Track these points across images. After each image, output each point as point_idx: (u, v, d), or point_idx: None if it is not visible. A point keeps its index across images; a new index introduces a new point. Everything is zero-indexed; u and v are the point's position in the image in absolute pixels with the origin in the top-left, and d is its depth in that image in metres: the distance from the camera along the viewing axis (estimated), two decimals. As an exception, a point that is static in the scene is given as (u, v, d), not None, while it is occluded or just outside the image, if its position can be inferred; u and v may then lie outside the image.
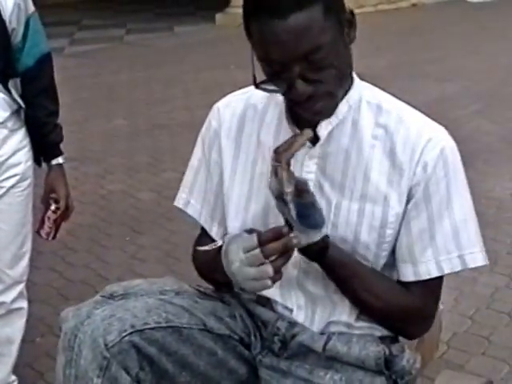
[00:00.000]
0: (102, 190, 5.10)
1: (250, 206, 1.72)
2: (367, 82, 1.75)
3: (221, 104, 1.79)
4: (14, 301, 2.71)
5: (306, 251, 1.58)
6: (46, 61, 2.55)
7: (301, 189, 1.49)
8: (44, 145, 2.61)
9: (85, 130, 6.18)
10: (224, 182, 1.75)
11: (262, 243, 1.49)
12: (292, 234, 1.50)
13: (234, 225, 1.73)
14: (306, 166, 1.64)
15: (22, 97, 2.52)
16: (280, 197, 1.48)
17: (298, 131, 1.59)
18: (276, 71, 1.51)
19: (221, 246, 1.60)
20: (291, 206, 1.48)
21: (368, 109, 1.62)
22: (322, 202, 1.60)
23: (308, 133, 1.53)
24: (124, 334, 1.56)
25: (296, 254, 1.59)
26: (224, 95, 1.90)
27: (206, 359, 1.70)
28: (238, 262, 1.51)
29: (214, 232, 1.81)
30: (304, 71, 1.48)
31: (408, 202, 1.61)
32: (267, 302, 1.77)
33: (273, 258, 1.51)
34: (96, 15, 12.48)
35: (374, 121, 1.63)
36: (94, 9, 13.08)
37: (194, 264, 1.87)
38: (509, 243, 4.30)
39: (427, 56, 9.08)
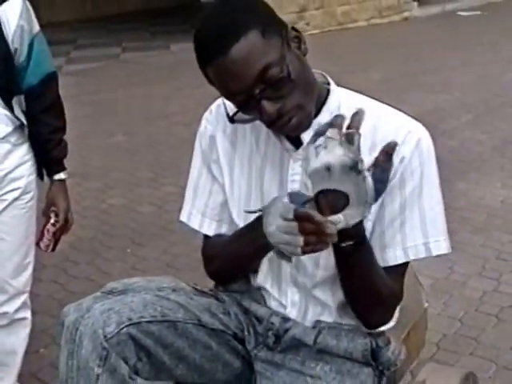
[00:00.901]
0: (103, 204, 5.21)
1: (250, 202, 1.83)
2: (358, 92, 1.86)
3: (213, 105, 1.90)
4: (17, 311, 2.78)
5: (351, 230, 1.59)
6: (50, 80, 2.63)
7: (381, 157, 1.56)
8: (47, 160, 2.69)
9: (86, 146, 6.27)
10: (224, 180, 1.86)
11: (297, 218, 1.53)
12: (336, 216, 1.52)
13: (239, 223, 1.84)
14: (291, 169, 1.76)
15: (26, 113, 2.60)
16: (354, 166, 1.49)
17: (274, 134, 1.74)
18: (242, 101, 1.61)
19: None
20: (367, 174, 1.51)
21: (348, 113, 1.70)
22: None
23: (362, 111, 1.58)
24: (122, 326, 1.66)
25: None
26: None
27: (201, 352, 1.81)
28: (275, 226, 1.55)
29: (225, 230, 1.90)
30: (265, 92, 1.57)
31: (386, 192, 1.69)
32: (261, 299, 1.88)
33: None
34: (91, 34, 12.58)
35: None
36: (89, 28, 13.19)
37: (209, 267, 1.93)
38: (498, 249, 4.43)
39: (419, 68, 9.22)
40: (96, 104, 7.92)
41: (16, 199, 2.63)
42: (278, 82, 1.58)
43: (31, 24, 2.56)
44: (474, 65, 9.83)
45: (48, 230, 2.74)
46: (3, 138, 2.54)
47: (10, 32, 2.48)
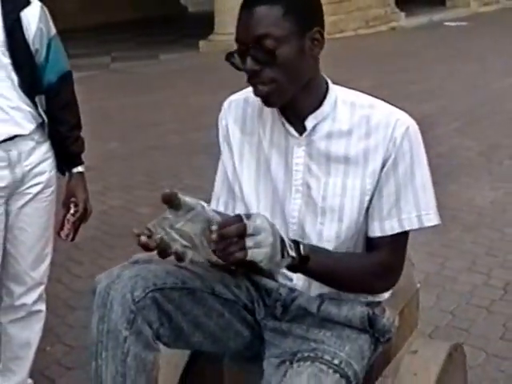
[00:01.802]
0: (103, 206, 5.38)
1: (259, 185, 2.05)
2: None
3: (226, 102, 2.15)
4: (34, 303, 2.96)
5: (289, 267, 1.87)
6: (66, 78, 2.85)
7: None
8: (66, 155, 2.89)
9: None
10: (235, 168, 2.09)
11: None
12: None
13: (250, 206, 2.06)
14: (295, 153, 1.99)
15: (45, 112, 2.80)
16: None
17: (284, 121, 1.99)
18: (240, 50, 1.89)
19: None
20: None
21: (343, 106, 1.98)
22: (312, 181, 1.96)
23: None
24: (147, 291, 1.86)
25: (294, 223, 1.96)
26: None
27: (215, 320, 2.01)
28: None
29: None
30: (255, 52, 1.85)
31: (381, 172, 1.95)
32: (270, 274, 2.09)
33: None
34: (80, 44, 12.76)
35: (349, 115, 1.98)
36: (78, 38, 13.38)
37: None
38: (487, 245, 4.68)
39: (407, 77, 9.49)
40: (89, 112, 8.01)
41: (38, 193, 2.82)
42: (267, 51, 1.85)
43: (48, 27, 2.79)
44: (461, 74, 10.15)
45: (68, 220, 2.92)
46: (28, 135, 2.73)
47: (31, 34, 2.71)
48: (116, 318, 1.84)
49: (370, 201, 1.97)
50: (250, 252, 1.70)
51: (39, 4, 2.76)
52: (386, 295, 2.15)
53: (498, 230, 4.92)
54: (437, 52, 11.95)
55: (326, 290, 2.05)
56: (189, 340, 2.00)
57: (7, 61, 2.64)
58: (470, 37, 13.67)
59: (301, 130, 1.99)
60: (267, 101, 1.94)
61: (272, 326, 2.07)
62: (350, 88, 2.08)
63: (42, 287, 2.98)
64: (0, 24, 2.63)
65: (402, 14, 15.66)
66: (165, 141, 7.16)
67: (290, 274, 2.04)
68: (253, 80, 1.90)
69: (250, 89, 1.95)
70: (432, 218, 1.99)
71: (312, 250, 1.90)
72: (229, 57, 1.92)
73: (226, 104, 2.15)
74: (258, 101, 1.99)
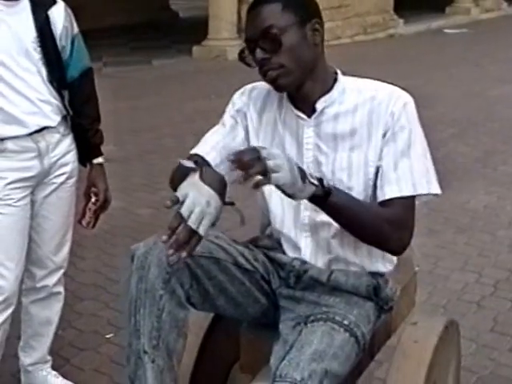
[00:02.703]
0: None
1: None
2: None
3: (249, 87, 2.52)
4: (55, 285, 3.31)
5: (313, 199, 2.19)
6: (88, 73, 3.23)
7: None
8: (87, 147, 3.24)
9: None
10: (250, 142, 2.45)
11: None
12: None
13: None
14: (305, 133, 2.35)
15: (69, 106, 3.16)
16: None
17: (292, 107, 2.37)
18: (250, 48, 2.28)
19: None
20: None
21: (351, 92, 2.36)
22: (321, 158, 2.32)
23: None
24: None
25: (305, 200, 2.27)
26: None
27: (237, 287, 2.38)
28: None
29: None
30: (263, 43, 2.24)
31: (382, 144, 2.30)
32: (281, 248, 2.47)
33: None
34: (70, 49, 13.10)
35: (356, 98, 2.36)
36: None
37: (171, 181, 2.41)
38: (480, 247, 5.08)
39: (404, 84, 9.60)
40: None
41: (62, 183, 3.17)
42: (273, 40, 2.24)
43: (72, 25, 3.15)
44: (459, 81, 10.57)
45: (89, 209, 3.28)
46: (55, 128, 3.08)
47: (58, 32, 3.06)
48: (153, 278, 2.20)
49: (376, 172, 2.31)
50: (272, 178, 2.01)
51: (63, 3, 3.12)
52: (391, 268, 2.51)
53: (490, 233, 5.32)
54: (435, 59, 12.38)
55: (331, 256, 2.41)
56: (214, 303, 2.36)
57: (38, 56, 2.99)
58: (469, 44, 14.11)
59: (310, 113, 2.35)
60: (277, 84, 2.31)
61: (286, 293, 2.44)
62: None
63: (62, 271, 3.33)
64: (31, 22, 2.98)
65: (401, 21, 15.93)
66: (160, 144, 7.54)
67: (298, 243, 2.42)
68: (263, 68, 2.28)
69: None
70: (424, 186, 2.30)
71: (335, 187, 2.21)
72: (241, 54, 2.32)
73: (248, 88, 2.51)
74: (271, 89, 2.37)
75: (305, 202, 2.29)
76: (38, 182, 3.10)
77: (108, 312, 4.24)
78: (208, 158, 2.40)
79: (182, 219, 2.02)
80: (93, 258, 4.94)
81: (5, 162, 3.01)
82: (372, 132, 2.31)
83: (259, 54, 2.26)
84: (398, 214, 2.28)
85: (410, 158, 2.28)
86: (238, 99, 2.50)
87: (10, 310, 3.11)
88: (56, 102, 3.07)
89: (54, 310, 3.38)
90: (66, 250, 3.31)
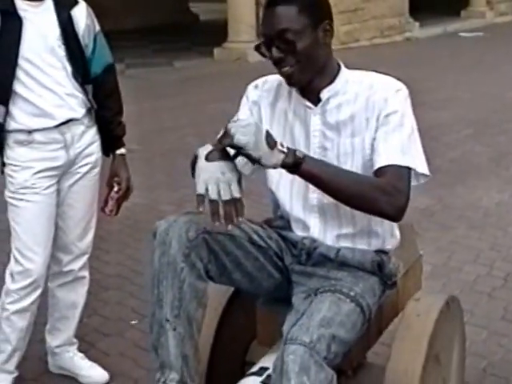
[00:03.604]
0: (127, 203, 5.71)
1: None
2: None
3: (261, 79, 2.67)
4: (80, 269, 3.48)
5: (286, 168, 2.29)
6: (110, 69, 3.39)
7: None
8: (110, 138, 3.41)
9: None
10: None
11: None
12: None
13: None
14: (312, 121, 2.52)
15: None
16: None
17: (299, 97, 2.53)
18: (265, 42, 2.44)
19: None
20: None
21: (353, 84, 2.53)
22: (327, 144, 2.49)
23: None
24: (199, 232, 2.38)
25: None
26: None
27: (252, 262, 2.54)
28: None
29: None
30: (278, 43, 2.40)
31: (376, 126, 2.45)
32: (290, 227, 2.63)
33: None
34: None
35: (357, 89, 2.52)
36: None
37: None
38: (492, 242, 5.20)
39: (422, 87, 9.93)
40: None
41: (87, 173, 3.34)
42: (288, 42, 2.40)
43: (94, 23, 3.31)
44: (475, 83, 10.66)
45: (112, 198, 3.46)
46: (80, 120, 3.24)
47: (81, 30, 3.23)
48: (174, 252, 2.36)
49: (371, 153, 2.46)
50: (234, 138, 2.20)
51: (84, 3, 3.29)
52: (395, 243, 2.69)
53: (502, 229, 5.44)
54: (451, 62, 12.50)
55: (339, 231, 2.57)
56: (230, 277, 2.53)
57: (62, 53, 3.16)
58: (485, 47, 14.19)
59: (315, 102, 2.52)
60: (291, 81, 2.48)
61: (298, 269, 2.61)
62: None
63: (87, 256, 3.50)
64: (55, 21, 3.15)
65: (417, 24, 16.07)
66: (183, 144, 7.70)
67: (307, 223, 2.58)
68: (279, 65, 2.45)
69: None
70: (420, 165, 2.44)
71: (310, 156, 2.36)
72: (257, 47, 2.47)
73: (261, 81, 2.67)
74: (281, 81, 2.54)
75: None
76: (63, 171, 3.26)
77: (132, 301, 4.39)
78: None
79: (216, 201, 2.21)
80: (117, 252, 5.10)
81: (33, 153, 3.18)
82: (368, 117, 2.48)
83: (275, 53, 2.42)
84: (388, 181, 2.38)
85: (401, 133, 2.43)
86: (252, 92, 2.66)
87: (38, 292, 3.28)
88: (81, 95, 3.24)
89: (79, 294, 3.55)
90: (90, 236, 3.47)
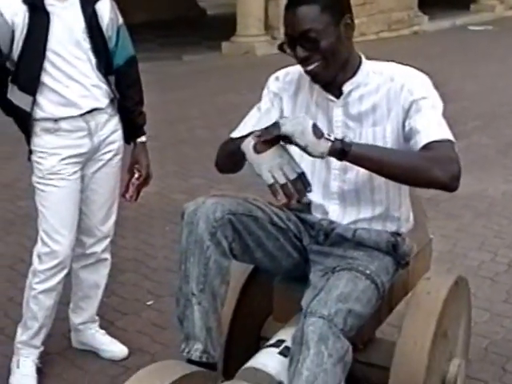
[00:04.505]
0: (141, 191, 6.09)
1: None
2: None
3: (282, 72, 2.83)
4: (102, 251, 3.69)
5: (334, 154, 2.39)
6: (132, 61, 3.57)
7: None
8: (132, 127, 3.60)
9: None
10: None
11: None
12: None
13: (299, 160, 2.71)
14: (335, 112, 2.68)
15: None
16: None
17: (322, 90, 2.69)
18: (289, 41, 2.56)
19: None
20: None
21: (374, 75, 2.68)
22: (349, 134, 2.61)
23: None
24: (224, 213, 2.57)
25: (336, 169, 2.66)
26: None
27: (272, 242, 2.73)
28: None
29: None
30: (302, 43, 2.52)
31: (405, 117, 2.58)
32: (309, 210, 2.81)
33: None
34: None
35: (378, 81, 2.67)
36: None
37: (218, 156, 2.82)
38: (497, 230, 5.42)
39: (430, 80, 10.16)
40: (118, 108, 8.82)
41: (109, 160, 3.53)
42: (312, 42, 2.52)
43: (117, 16, 3.48)
44: (483, 76, 10.85)
45: (133, 184, 3.66)
46: (103, 109, 3.43)
47: (105, 23, 3.40)
48: (201, 231, 2.55)
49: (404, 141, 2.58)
50: (282, 127, 2.35)
51: None
52: (410, 226, 2.87)
53: (507, 218, 5.65)
54: (460, 55, 12.68)
55: (357, 216, 2.75)
56: (252, 255, 2.72)
57: (87, 46, 3.34)
58: (494, 41, 14.33)
59: (337, 95, 2.68)
60: (317, 78, 2.63)
61: (316, 249, 2.80)
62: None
63: (109, 239, 3.71)
64: (80, 15, 3.32)
65: (426, 18, 16.12)
66: (193, 135, 7.93)
67: (327, 209, 2.76)
68: (303, 63, 2.60)
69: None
70: (442, 135, 2.50)
71: (356, 142, 2.45)
72: (281, 46, 2.62)
73: (282, 73, 2.83)
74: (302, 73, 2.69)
75: (334, 173, 2.68)
76: (88, 158, 3.45)
77: (147, 283, 4.62)
78: None
79: (286, 184, 2.39)
80: (132, 237, 5.31)
81: (59, 140, 3.37)
82: (391, 108, 2.63)
83: (300, 52, 2.56)
84: (437, 152, 2.45)
85: (436, 113, 2.55)
86: (273, 84, 2.82)
87: (64, 272, 3.48)
88: (104, 86, 3.41)
89: (101, 274, 3.76)
90: (112, 220, 3.68)
